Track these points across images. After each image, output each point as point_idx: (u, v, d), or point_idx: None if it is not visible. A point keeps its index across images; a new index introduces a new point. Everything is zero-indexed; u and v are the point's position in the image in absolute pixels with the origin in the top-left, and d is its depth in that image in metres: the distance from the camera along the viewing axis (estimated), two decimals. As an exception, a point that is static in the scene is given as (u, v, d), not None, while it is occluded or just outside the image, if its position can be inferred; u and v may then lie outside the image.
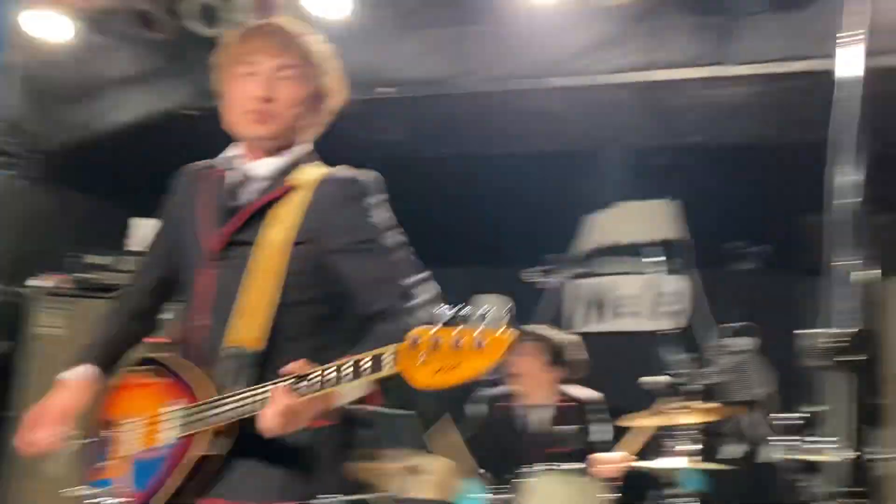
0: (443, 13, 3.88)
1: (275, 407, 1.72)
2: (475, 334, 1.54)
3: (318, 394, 1.71)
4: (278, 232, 1.92)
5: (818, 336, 2.75)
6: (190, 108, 4.26)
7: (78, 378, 2.05)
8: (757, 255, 5.05)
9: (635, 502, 4.13)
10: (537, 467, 3.70)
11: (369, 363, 1.65)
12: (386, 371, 1.63)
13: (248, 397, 1.78)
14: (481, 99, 3.99)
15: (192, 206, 2.05)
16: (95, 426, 2.08)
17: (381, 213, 1.98)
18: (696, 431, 3.86)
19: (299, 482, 1.89)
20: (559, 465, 3.66)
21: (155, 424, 1.95)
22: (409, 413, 5.35)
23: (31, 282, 4.28)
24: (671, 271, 5.14)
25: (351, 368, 1.67)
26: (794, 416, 3.94)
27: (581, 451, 4.00)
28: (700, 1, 3.44)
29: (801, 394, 4.81)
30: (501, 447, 4.24)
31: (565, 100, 3.95)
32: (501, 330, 1.54)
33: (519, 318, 5.06)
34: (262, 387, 1.76)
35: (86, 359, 2.08)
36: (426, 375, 1.57)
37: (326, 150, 5.01)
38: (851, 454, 2.71)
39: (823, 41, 3.31)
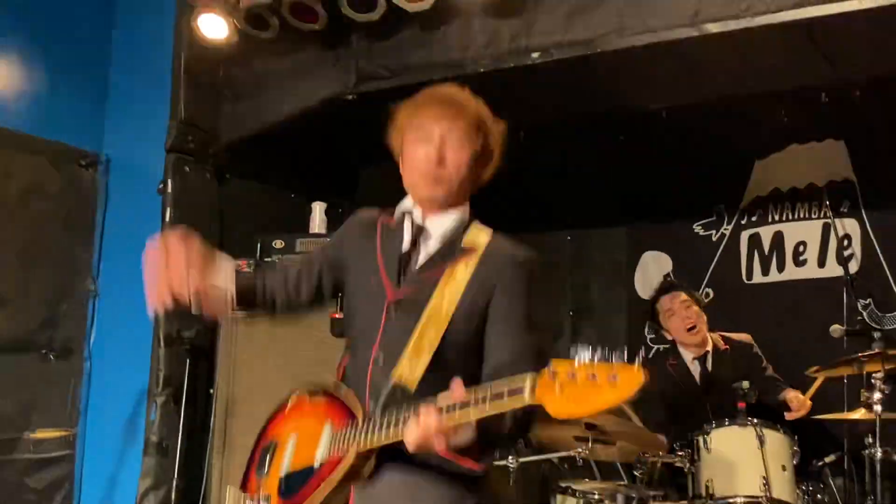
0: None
1: (423, 423, 1.85)
2: (610, 369, 1.64)
3: (459, 416, 1.82)
4: (451, 293, 2.09)
5: None
6: (349, 93, 4.36)
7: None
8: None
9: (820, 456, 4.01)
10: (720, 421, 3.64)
11: (507, 391, 1.74)
12: (526, 399, 1.71)
13: (398, 420, 1.93)
14: (633, 54, 3.88)
15: (371, 250, 2.22)
16: (265, 442, 2.33)
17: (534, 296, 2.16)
18: (883, 379, 3.67)
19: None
20: (743, 418, 3.57)
21: (314, 443, 2.14)
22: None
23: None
24: (843, 214, 4.90)
25: (489, 395, 1.77)
26: None
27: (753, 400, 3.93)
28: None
29: None
30: (679, 403, 4.26)
31: (722, 46, 3.78)
32: (636, 367, 1.64)
33: (691, 272, 5.03)
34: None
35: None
36: (562, 405, 1.66)
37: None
38: None
39: None
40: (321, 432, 2.13)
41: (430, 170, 2.15)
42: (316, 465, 2.10)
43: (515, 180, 5.66)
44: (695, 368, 4.39)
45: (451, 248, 2.16)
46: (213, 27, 4.30)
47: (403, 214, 2.21)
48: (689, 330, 4.38)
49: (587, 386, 1.65)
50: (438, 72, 4.10)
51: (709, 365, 4.34)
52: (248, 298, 2.35)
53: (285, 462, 2.23)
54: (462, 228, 2.20)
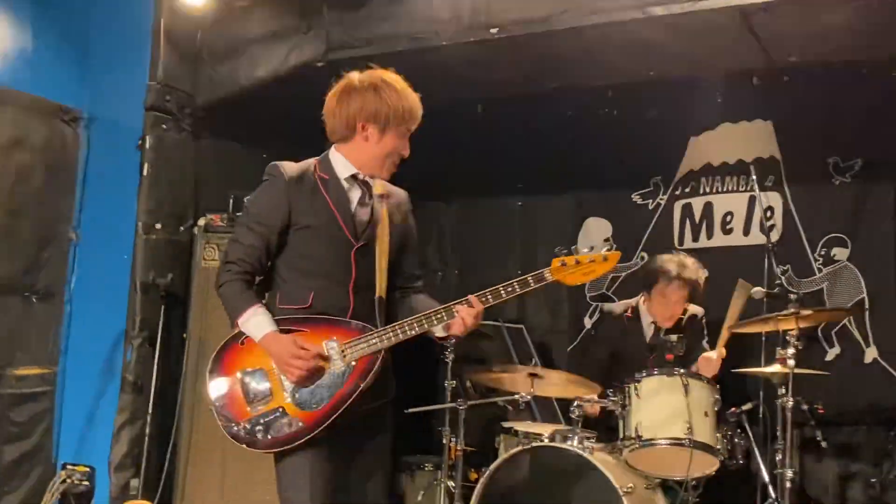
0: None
1: (476, 310, 2.55)
2: (601, 251, 2.54)
3: (492, 300, 2.57)
4: (384, 231, 2.65)
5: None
6: (319, 60, 4.28)
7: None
8: (849, 169, 4.79)
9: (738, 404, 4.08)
10: (650, 371, 3.67)
11: (532, 279, 2.54)
12: (548, 279, 2.54)
13: (430, 316, 2.53)
14: (585, 32, 3.86)
15: (324, 204, 2.58)
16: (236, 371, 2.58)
17: None
18: (797, 337, 3.73)
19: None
20: (670, 369, 3.61)
21: (325, 358, 2.52)
22: (518, 326, 5.42)
23: (198, 222, 4.46)
24: (767, 188, 4.94)
25: (518, 285, 2.55)
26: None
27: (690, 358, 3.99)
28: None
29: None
30: (624, 355, 4.29)
31: (666, 28, 3.77)
32: (615, 249, 2.63)
33: (628, 238, 5.04)
34: (447, 306, 2.54)
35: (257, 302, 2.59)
36: (574, 278, 2.55)
37: (445, 90, 4.98)
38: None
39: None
40: (324, 349, 2.50)
41: (397, 162, 2.67)
42: (340, 369, 2.50)
43: (472, 150, 5.70)
44: (648, 331, 4.37)
45: (379, 199, 2.68)
46: (192, -7, 4.18)
47: (352, 177, 2.63)
48: (666, 318, 4.29)
49: (587, 265, 2.52)
50: (404, 43, 4.05)
51: (661, 331, 4.31)
52: None
53: (286, 383, 2.51)
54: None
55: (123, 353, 4.41)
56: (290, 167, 2.62)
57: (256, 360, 2.54)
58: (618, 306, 4.56)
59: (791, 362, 3.68)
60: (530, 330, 5.49)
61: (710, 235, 5.13)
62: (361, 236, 2.60)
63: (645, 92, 4.91)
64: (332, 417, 2.46)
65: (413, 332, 2.51)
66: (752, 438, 4.05)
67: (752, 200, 4.99)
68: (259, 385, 2.53)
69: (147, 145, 4.47)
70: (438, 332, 2.59)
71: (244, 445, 2.51)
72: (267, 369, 2.53)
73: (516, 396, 3.85)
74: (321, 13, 4.22)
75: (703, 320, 4.41)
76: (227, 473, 4.15)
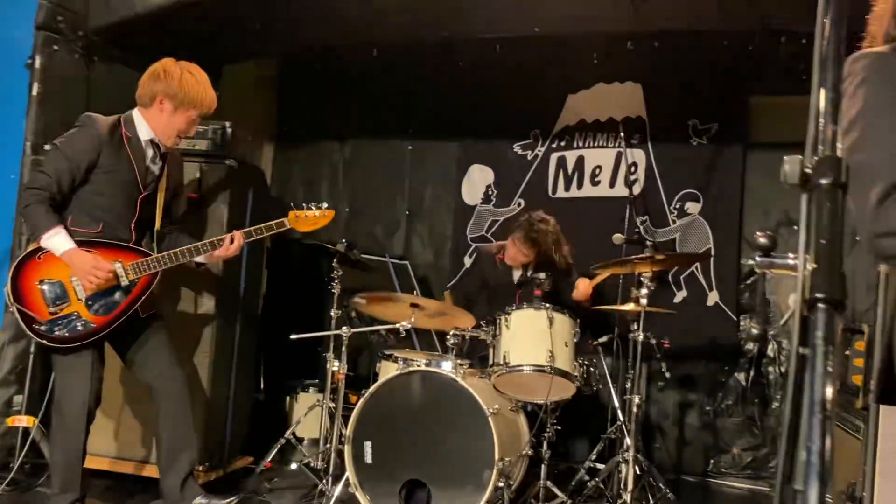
0: None
1: (237, 242, 3.22)
2: (323, 206, 3.38)
3: (255, 234, 3.22)
4: (165, 182, 3.26)
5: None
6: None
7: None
8: (706, 132, 4.93)
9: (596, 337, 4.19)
10: (519, 305, 3.70)
11: (275, 224, 3.23)
12: (287, 225, 3.27)
13: (198, 247, 3.17)
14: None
15: (125, 157, 3.09)
16: (34, 281, 2.98)
17: None
18: (650, 279, 3.83)
19: None
20: (538, 303, 3.64)
21: (111, 275, 3.03)
22: (404, 262, 5.38)
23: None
24: (633, 145, 5.03)
25: (274, 226, 3.23)
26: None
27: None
28: None
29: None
30: (497, 289, 4.32)
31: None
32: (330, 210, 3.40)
33: (508, 185, 5.04)
34: (213, 240, 3.19)
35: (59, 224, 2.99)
36: (304, 227, 3.33)
37: (341, 31, 4.75)
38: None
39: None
40: (112, 268, 3.02)
41: (182, 137, 3.21)
42: (125, 283, 3.06)
43: (366, 92, 5.54)
44: (517, 274, 4.40)
45: (166, 162, 3.26)
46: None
47: (150, 140, 3.17)
48: (518, 261, 4.34)
49: (313, 218, 3.33)
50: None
51: (529, 270, 4.36)
52: None
53: (80, 291, 2.99)
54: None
55: (8, 271, 4.08)
56: (103, 121, 3.09)
57: (55, 272, 2.98)
58: (492, 247, 4.59)
59: (644, 301, 3.79)
60: (415, 267, 5.46)
61: (580, 186, 5.20)
62: (148, 187, 3.17)
63: (530, 48, 4.87)
64: (119, 320, 3.04)
65: (184, 259, 3.12)
66: (605, 367, 4.18)
67: (619, 156, 5.08)
68: (58, 292, 2.98)
69: (36, 65, 4.07)
70: (200, 259, 3.24)
71: (44, 341, 2.95)
72: (64, 280, 2.98)
73: (398, 325, 3.81)
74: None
75: (568, 262, 4.46)
76: (111, 388, 3.95)
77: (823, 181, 0.89)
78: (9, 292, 2.99)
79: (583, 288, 4.26)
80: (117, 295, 3.07)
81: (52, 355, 3.09)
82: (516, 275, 4.41)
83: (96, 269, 2.97)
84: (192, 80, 3.15)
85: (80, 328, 2.98)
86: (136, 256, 3.10)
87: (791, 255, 0.98)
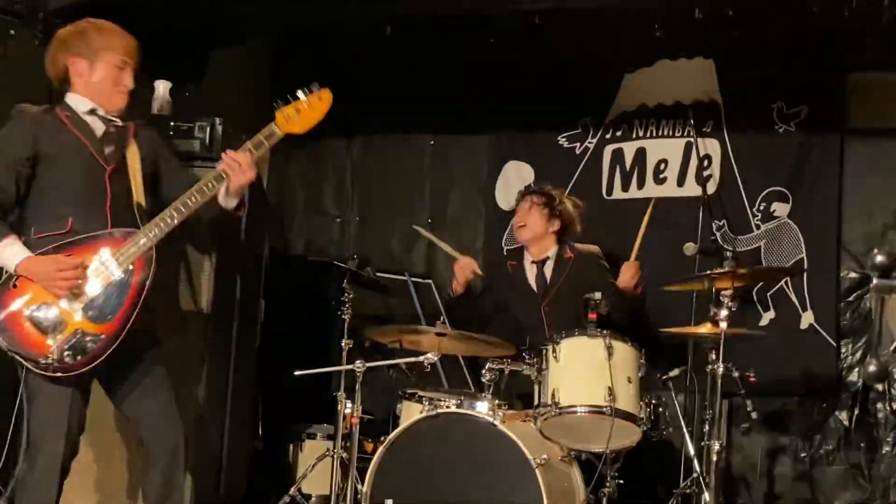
0: None
1: (244, 159, 3.14)
2: (315, 93, 3.26)
3: (256, 152, 3.18)
4: (134, 156, 3.19)
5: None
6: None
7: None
8: (794, 117, 4.94)
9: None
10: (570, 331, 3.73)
11: (268, 134, 3.21)
12: (279, 134, 3.22)
13: (192, 195, 3.08)
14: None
15: (74, 139, 3.08)
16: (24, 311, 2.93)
17: None
18: (731, 298, 3.84)
19: None
20: (593, 329, 3.67)
21: (99, 270, 2.98)
22: (427, 281, 5.43)
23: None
24: (706, 134, 5.05)
25: (263, 138, 3.20)
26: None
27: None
28: None
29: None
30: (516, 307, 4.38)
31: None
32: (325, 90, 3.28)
33: (553, 184, 5.08)
34: (209, 178, 3.12)
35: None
36: (301, 125, 3.24)
37: (348, 7, 4.85)
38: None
39: None
40: (98, 260, 2.98)
41: (125, 91, 3.21)
42: (120, 274, 2.99)
43: (378, 78, 5.61)
44: (531, 274, 4.47)
45: (126, 129, 3.22)
46: None
47: (91, 111, 3.16)
48: (520, 227, 4.49)
49: (306, 110, 3.23)
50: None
51: (547, 272, 4.43)
52: None
53: (74, 304, 2.94)
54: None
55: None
56: (34, 109, 3.14)
57: (36, 295, 2.93)
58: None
59: (723, 324, 3.79)
60: (440, 286, 5.50)
61: (641, 185, 5.22)
62: (111, 159, 3.12)
63: (576, 20, 4.90)
64: (132, 317, 2.98)
65: (179, 216, 3.06)
66: (677, 407, 4.18)
67: (688, 147, 5.10)
68: (49, 316, 2.92)
69: (-7, 51, 4.23)
70: (224, 202, 3.22)
71: (59, 374, 2.90)
72: (49, 300, 2.93)
73: (421, 358, 3.85)
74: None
75: (602, 260, 4.51)
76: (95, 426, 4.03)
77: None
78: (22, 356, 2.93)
79: (629, 272, 4.33)
80: (116, 292, 3.00)
81: (22, 393, 3.00)
82: (531, 275, 4.45)
83: (60, 270, 2.93)
84: (86, 25, 3.24)
85: (91, 345, 2.95)
86: (120, 240, 3.04)
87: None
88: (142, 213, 3.14)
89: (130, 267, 3.01)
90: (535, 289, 4.45)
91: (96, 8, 4.36)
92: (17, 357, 2.91)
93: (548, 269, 4.44)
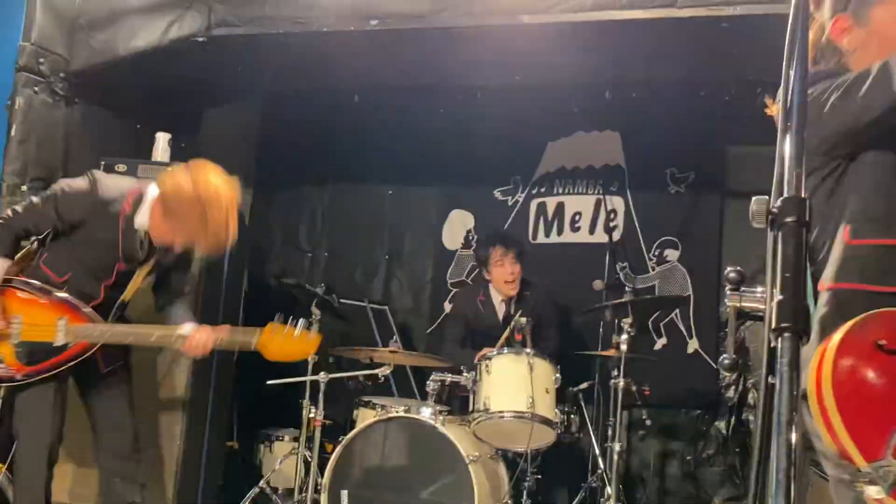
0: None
1: (211, 346, 3.01)
2: (309, 333, 2.92)
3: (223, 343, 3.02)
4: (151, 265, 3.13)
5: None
6: (200, 35, 4.10)
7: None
8: (684, 180, 5.06)
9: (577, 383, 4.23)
10: (500, 350, 3.75)
11: (245, 341, 2.99)
12: (253, 347, 2.95)
13: (162, 333, 3.03)
14: (457, 34, 3.88)
15: (116, 232, 2.98)
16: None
17: None
18: (630, 325, 3.90)
19: None
20: (518, 348, 3.69)
21: (48, 328, 2.91)
22: (383, 307, 5.42)
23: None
24: (612, 192, 5.15)
25: (238, 340, 3.01)
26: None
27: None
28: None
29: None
30: (478, 331, 4.38)
31: (532, 37, 3.84)
32: (315, 334, 3.03)
33: (490, 229, 5.12)
34: (176, 328, 3.01)
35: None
36: (277, 353, 2.90)
37: (323, 76, 4.87)
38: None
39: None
40: (54, 322, 2.90)
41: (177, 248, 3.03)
42: (58, 343, 2.90)
43: (347, 137, 5.63)
44: (500, 309, 4.50)
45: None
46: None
47: (144, 230, 3.01)
48: (507, 283, 4.45)
49: (293, 343, 2.85)
50: (285, 26, 3.95)
51: (511, 307, 4.45)
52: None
53: (14, 335, 2.90)
54: None
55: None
56: (109, 188, 2.98)
57: (9, 306, 2.91)
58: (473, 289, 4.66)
59: (624, 347, 3.85)
60: (394, 312, 5.50)
61: (560, 232, 5.29)
62: (129, 264, 3.05)
63: (510, 96, 4.99)
64: (41, 375, 2.91)
65: (135, 340, 3.04)
66: (585, 414, 4.21)
67: (598, 203, 5.19)
68: None
69: (16, 106, 4.14)
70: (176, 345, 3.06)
71: None
72: (6, 318, 2.89)
73: (376, 371, 3.84)
74: (202, -10, 4.05)
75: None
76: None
77: (788, 219, 0.96)
78: None
79: None
80: (49, 349, 2.92)
81: (15, 396, 3.03)
82: (500, 311, 4.47)
83: None
84: (206, 200, 2.82)
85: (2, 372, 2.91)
86: (84, 319, 2.97)
87: (759, 288, 1.05)
88: (121, 306, 3.10)
89: (70, 344, 2.93)
90: (500, 320, 4.44)
91: (112, 72, 4.35)
92: None
93: (511, 306, 4.44)
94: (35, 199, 3.03)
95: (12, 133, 4.14)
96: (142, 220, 2.98)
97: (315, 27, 3.84)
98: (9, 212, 3.02)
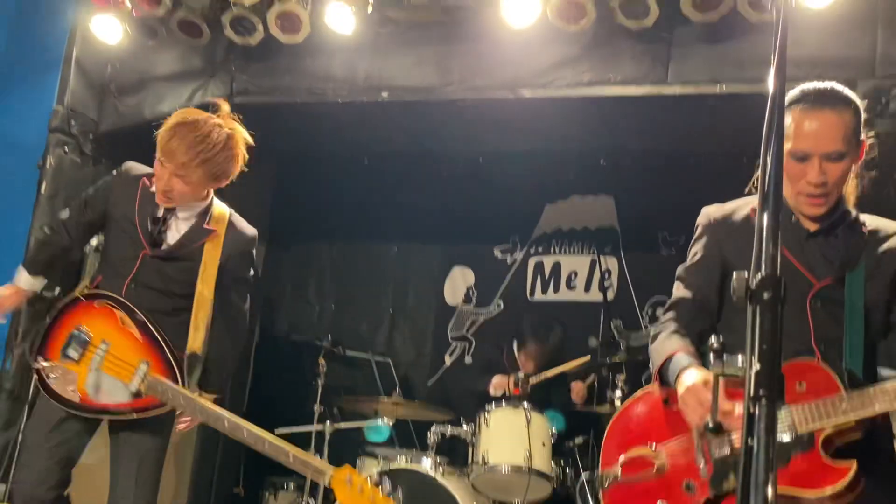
0: (432, 32, 3.90)
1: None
2: (392, 496, 2.27)
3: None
4: (209, 275, 2.65)
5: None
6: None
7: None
8: (675, 243, 5.13)
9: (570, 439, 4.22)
10: (498, 403, 3.76)
11: (313, 468, 2.38)
12: (325, 483, 2.33)
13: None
14: (462, 105, 4.01)
15: (134, 202, 2.65)
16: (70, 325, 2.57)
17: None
18: (624, 381, 3.92)
19: None
20: (516, 402, 3.71)
21: (129, 366, 2.51)
22: (386, 360, 5.44)
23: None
24: (606, 253, 5.22)
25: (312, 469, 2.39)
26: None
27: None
28: (644, 31, 3.46)
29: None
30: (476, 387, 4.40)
31: (531, 109, 3.96)
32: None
33: (488, 287, 5.18)
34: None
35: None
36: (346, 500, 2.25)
37: (336, 142, 5.00)
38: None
39: (744, 68, 3.38)
40: (138, 363, 2.48)
41: (167, 192, 2.57)
42: (132, 389, 2.45)
43: (356, 197, 5.73)
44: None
45: (198, 230, 2.62)
46: (107, 29, 4.07)
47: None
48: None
49: (366, 498, 2.25)
50: (302, 96, 4.07)
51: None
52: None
53: (96, 361, 2.50)
54: (206, 213, 2.67)
55: (3, 361, 4.10)
56: (135, 167, 2.76)
57: (97, 327, 2.52)
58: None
59: (618, 403, 3.86)
60: (397, 365, 5.51)
61: (556, 290, 5.34)
62: (156, 247, 2.59)
63: (510, 162, 5.11)
64: (97, 414, 2.51)
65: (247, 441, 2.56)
66: (580, 468, 4.19)
67: (593, 263, 5.25)
68: (78, 346, 2.52)
69: (47, 165, 4.25)
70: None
71: (35, 376, 2.52)
72: (95, 341, 2.52)
73: (378, 422, 3.85)
74: (228, 60, 4.19)
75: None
76: (93, 479, 3.91)
77: (766, 295, 1.02)
78: (34, 346, 2.56)
79: (577, 389, 4.35)
80: (117, 390, 2.49)
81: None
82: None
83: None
84: (169, 121, 2.62)
85: (68, 390, 2.48)
86: (165, 369, 2.49)
87: (740, 357, 1.10)
88: (192, 357, 2.55)
89: (144, 394, 2.46)
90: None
91: (138, 133, 4.46)
92: (31, 340, 2.59)
93: None
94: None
95: (42, 189, 4.23)
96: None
97: (330, 98, 3.96)
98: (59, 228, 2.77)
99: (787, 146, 1.90)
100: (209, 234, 2.63)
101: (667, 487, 1.86)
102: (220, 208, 2.74)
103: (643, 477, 1.88)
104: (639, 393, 2.01)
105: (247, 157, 2.76)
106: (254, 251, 2.81)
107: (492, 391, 4.19)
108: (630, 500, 1.90)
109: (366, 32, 3.82)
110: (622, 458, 1.97)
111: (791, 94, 1.94)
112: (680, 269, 2.19)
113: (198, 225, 2.65)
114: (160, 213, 2.62)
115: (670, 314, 2.13)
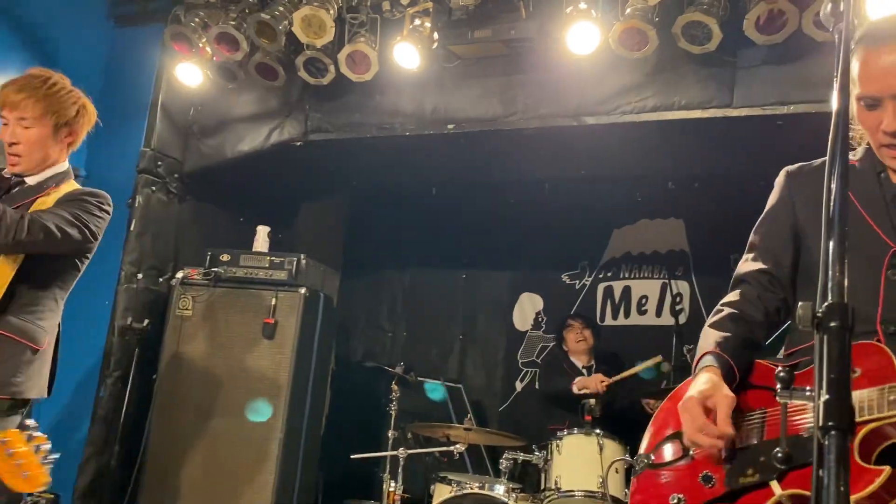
0: (495, 64, 3.95)
1: None
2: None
3: None
4: None
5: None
6: (298, 140, 4.37)
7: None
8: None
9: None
10: (570, 430, 3.72)
11: None
12: None
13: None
14: (526, 134, 4.03)
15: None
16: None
17: None
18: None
19: None
20: (588, 429, 3.66)
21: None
22: (458, 385, 5.45)
23: (176, 275, 4.42)
24: (677, 277, 5.11)
25: None
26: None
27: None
28: (708, 55, 3.42)
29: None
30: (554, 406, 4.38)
31: (595, 135, 3.95)
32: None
33: (558, 312, 5.15)
34: None
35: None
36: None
37: (405, 174, 5.09)
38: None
39: (812, 88, 3.30)
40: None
41: (9, 150, 2.40)
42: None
43: (425, 226, 5.81)
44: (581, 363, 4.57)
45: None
46: (189, 75, 4.27)
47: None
48: (578, 342, 4.58)
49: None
50: (372, 132, 4.17)
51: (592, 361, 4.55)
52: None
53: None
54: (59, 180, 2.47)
55: (97, 389, 4.29)
56: None
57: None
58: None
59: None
60: (468, 390, 5.51)
61: (627, 315, 5.27)
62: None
63: (576, 187, 5.09)
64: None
65: None
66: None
67: (664, 287, 5.16)
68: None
69: (136, 204, 4.46)
70: None
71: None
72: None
73: (452, 448, 3.85)
74: (302, 100, 4.34)
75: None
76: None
77: (833, 324, 0.99)
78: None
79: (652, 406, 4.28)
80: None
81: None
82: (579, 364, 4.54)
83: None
84: None
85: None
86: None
87: (808, 387, 1.07)
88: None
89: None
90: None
91: (219, 172, 4.65)
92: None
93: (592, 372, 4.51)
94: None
95: (131, 227, 4.44)
96: None
97: (399, 132, 4.05)
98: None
99: (855, 92, 1.58)
100: (47, 188, 2.46)
101: (690, 476, 1.62)
102: (75, 185, 2.56)
103: (674, 462, 1.70)
104: (689, 380, 1.72)
105: (90, 111, 2.60)
106: (93, 198, 2.55)
107: (575, 390, 4.25)
108: (652, 489, 1.72)
109: (431, 68, 3.89)
110: (650, 443, 1.77)
111: (857, 34, 1.59)
112: (752, 235, 1.94)
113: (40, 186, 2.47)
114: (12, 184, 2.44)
115: (736, 292, 1.86)
